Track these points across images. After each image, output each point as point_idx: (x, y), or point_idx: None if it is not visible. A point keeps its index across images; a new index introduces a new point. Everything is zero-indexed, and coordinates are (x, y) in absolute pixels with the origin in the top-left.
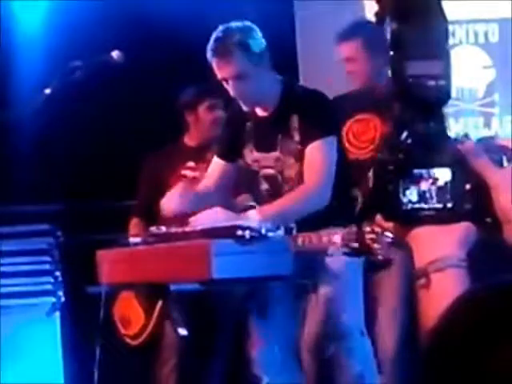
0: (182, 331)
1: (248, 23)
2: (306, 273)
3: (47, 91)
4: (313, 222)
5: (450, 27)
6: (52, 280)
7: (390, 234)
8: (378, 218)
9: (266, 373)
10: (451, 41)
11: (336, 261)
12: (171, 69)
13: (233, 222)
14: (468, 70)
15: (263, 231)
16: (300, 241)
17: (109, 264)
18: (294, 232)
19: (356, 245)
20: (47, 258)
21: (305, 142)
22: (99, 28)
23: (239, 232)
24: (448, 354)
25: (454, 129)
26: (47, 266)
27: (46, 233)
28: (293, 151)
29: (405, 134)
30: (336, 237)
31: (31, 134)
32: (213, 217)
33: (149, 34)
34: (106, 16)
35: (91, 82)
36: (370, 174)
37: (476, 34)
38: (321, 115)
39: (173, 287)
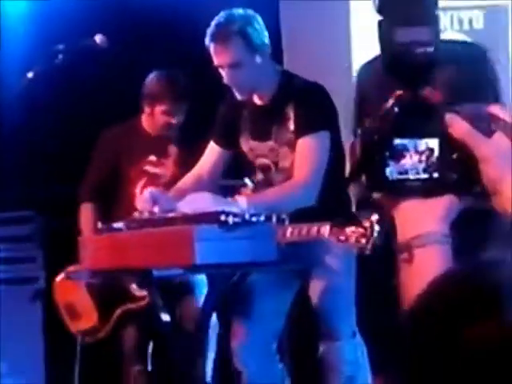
0: (165, 317)
1: (250, 11)
2: (296, 265)
3: (30, 75)
4: (308, 218)
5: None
6: (34, 265)
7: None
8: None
9: (245, 365)
10: None
11: (329, 257)
12: (155, 53)
13: (219, 206)
14: None
15: (247, 217)
16: (289, 232)
17: (91, 250)
18: (286, 223)
19: (343, 238)
20: (30, 245)
21: (298, 134)
22: (82, 11)
23: (222, 217)
24: (426, 333)
25: None
26: (30, 253)
27: (28, 219)
28: (287, 141)
29: (390, 103)
30: (324, 228)
31: (13, 118)
32: (200, 201)
33: (132, 18)
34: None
35: (74, 66)
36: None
37: (460, 21)
38: (316, 108)
39: (156, 273)
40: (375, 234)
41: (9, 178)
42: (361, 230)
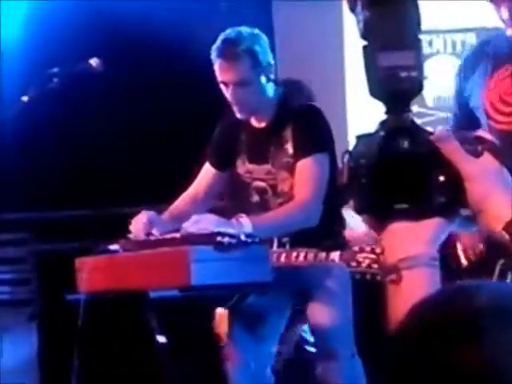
0: (161, 339)
1: (257, 31)
2: (293, 289)
3: (25, 98)
4: (305, 240)
5: (428, 37)
6: (29, 288)
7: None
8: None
9: None
10: (428, 50)
11: (328, 280)
12: (151, 76)
13: (224, 228)
14: (446, 79)
15: (242, 238)
16: (294, 256)
17: (88, 272)
18: (287, 247)
19: (354, 264)
20: (25, 267)
21: (296, 157)
22: (78, 35)
23: (218, 238)
24: (404, 356)
25: None
26: (25, 275)
27: (24, 241)
28: (285, 165)
29: (377, 127)
30: (333, 254)
31: (9, 141)
32: (205, 222)
33: (128, 42)
34: (85, 23)
35: (69, 90)
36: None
37: (454, 44)
38: (314, 131)
39: (152, 295)
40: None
41: (5, 200)
42: (372, 256)
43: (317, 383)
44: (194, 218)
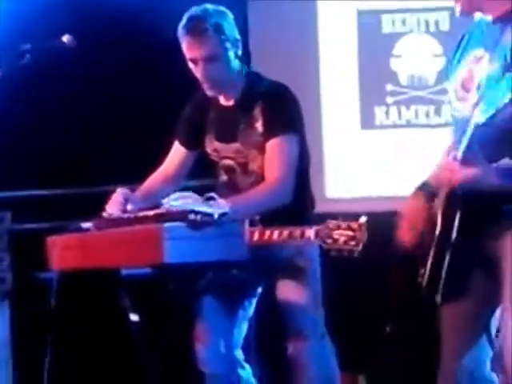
0: (134, 317)
1: (223, 8)
2: (265, 268)
3: None
4: (275, 218)
5: (401, 16)
6: (1, 266)
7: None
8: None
9: (208, 368)
10: (402, 29)
11: (298, 259)
12: (126, 56)
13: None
14: (419, 57)
15: (216, 216)
16: (268, 234)
17: (59, 250)
18: (259, 225)
19: (330, 241)
20: None
21: (267, 136)
22: (51, 12)
23: (191, 216)
24: None
25: (405, 116)
26: None
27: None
28: (255, 143)
29: None
30: (309, 231)
31: None
32: (187, 201)
33: (103, 21)
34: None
35: (41, 66)
36: None
37: (427, 23)
38: (284, 110)
39: (124, 272)
40: (365, 237)
41: None
42: (349, 232)
43: (287, 362)
44: (176, 195)
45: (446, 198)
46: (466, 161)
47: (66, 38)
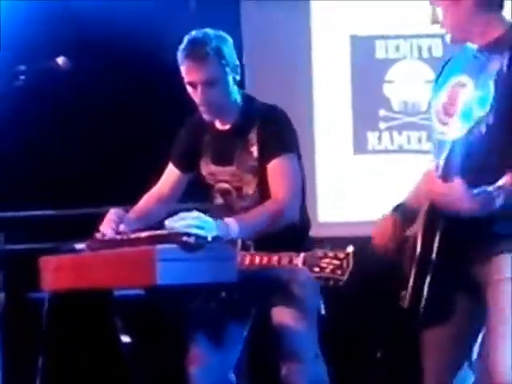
0: (125, 338)
1: (223, 33)
2: (258, 291)
3: None
4: (270, 243)
5: (395, 42)
6: None
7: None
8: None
9: None
10: (395, 55)
11: (292, 283)
12: (119, 76)
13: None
14: (412, 83)
15: (209, 238)
16: (258, 260)
17: (52, 270)
18: (252, 250)
19: (317, 269)
20: None
21: (266, 158)
22: (46, 33)
23: (185, 238)
24: None
25: (397, 141)
26: None
27: None
28: (250, 167)
29: None
30: (297, 259)
31: None
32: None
33: (97, 40)
34: (52, 21)
35: (36, 88)
36: None
37: (420, 49)
38: (282, 132)
39: (117, 293)
40: (351, 267)
41: None
42: (336, 261)
43: None
44: (181, 214)
45: (426, 215)
46: (445, 175)
47: (60, 60)
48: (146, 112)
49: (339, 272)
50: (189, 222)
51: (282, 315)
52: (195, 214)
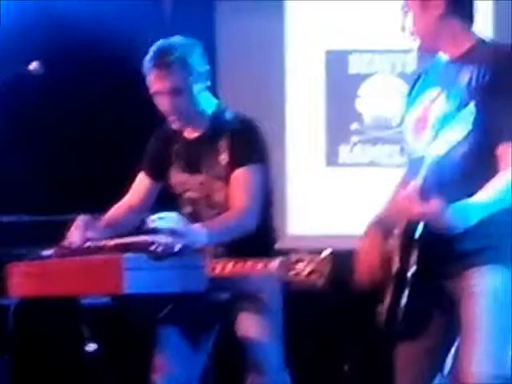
0: (92, 346)
1: (191, 40)
2: (225, 301)
3: None
4: (239, 251)
5: (368, 56)
6: None
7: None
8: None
9: None
10: (369, 69)
11: (259, 291)
12: (92, 83)
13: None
14: (384, 98)
15: (176, 248)
16: (231, 265)
17: (19, 277)
18: (222, 258)
19: (293, 273)
20: None
21: (232, 167)
22: (17, 37)
23: (152, 247)
24: None
25: (369, 155)
26: None
27: None
28: (220, 175)
29: None
30: (272, 264)
31: None
32: (170, 220)
33: (71, 46)
34: (25, 24)
35: (8, 93)
36: None
37: (393, 64)
38: (249, 142)
39: (84, 301)
40: (328, 270)
41: None
42: (312, 265)
43: None
44: (160, 214)
45: (404, 232)
46: (423, 193)
47: (32, 66)
48: (121, 121)
49: (315, 276)
50: (169, 224)
51: (248, 326)
52: (173, 214)
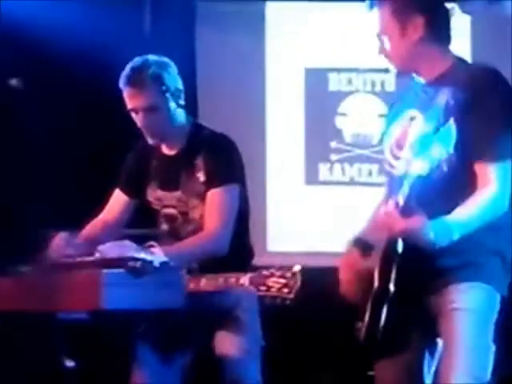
0: (70, 363)
1: (166, 59)
2: (203, 318)
3: None
4: (213, 269)
5: (348, 75)
6: None
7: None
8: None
9: None
10: (348, 88)
11: (236, 308)
12: (72, 99)
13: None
14: (364, 117)
15: (156, 264)
16: (204, 281)
17: None
18: (197, 273)
19: (264, 288)
20: None
21: (208, 186)
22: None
23: (131, 263)
24: None
25: (348, 173)
26: None
27: None
28: (197, 192)
29: None
30: (243, 279)
31: None
32: (124, 249)
33: (51, 62)
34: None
35: None
36: None
37: (373, 83)
38: (226, 161)
39: (63, 316)
40: (298, 285)
41: None
42: (283, 280)
43: None
44: (110, 244)
45: (384, 250)
46: (405, 211)
47: (12, 81)
48: (100, 136)
49: (286, 290)
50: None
51: (225, 343)
52: (127, 242)
